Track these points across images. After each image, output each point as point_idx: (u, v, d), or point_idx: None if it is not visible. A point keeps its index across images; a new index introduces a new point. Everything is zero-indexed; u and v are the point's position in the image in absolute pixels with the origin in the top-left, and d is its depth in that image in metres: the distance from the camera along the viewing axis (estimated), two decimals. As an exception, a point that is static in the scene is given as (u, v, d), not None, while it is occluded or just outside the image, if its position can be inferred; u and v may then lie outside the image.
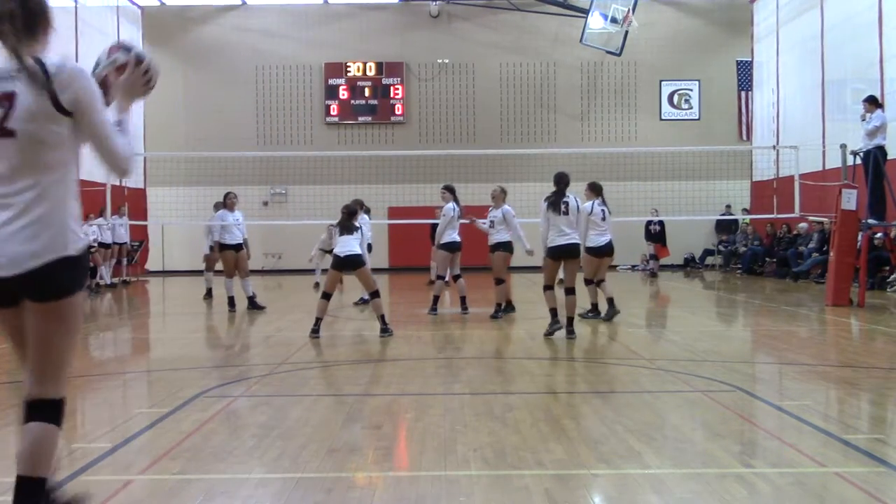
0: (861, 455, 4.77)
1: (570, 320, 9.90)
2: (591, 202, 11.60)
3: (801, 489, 4.17)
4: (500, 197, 12.29)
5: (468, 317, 12.35)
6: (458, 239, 12.64)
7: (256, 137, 25.85)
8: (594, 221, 11.49)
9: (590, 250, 11.52)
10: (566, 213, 9.95)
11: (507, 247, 12.23)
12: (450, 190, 12.74)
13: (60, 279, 3.17)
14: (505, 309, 12.25)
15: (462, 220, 12.74)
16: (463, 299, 12.79)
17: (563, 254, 9.92)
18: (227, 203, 14.08)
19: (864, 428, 5.58)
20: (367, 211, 14.84)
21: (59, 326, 3.24)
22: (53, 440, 3.28)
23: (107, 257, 19.62)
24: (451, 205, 12.58)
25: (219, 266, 14.89)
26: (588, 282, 11.87)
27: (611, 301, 11.65)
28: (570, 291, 10.03)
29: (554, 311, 9.99)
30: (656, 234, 22.99)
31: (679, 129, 25.66)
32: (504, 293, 12.30)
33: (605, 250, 11.71)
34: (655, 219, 22.59)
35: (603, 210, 11.64)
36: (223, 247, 13.95)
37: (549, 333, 9.93)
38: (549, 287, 10.11)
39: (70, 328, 3.26)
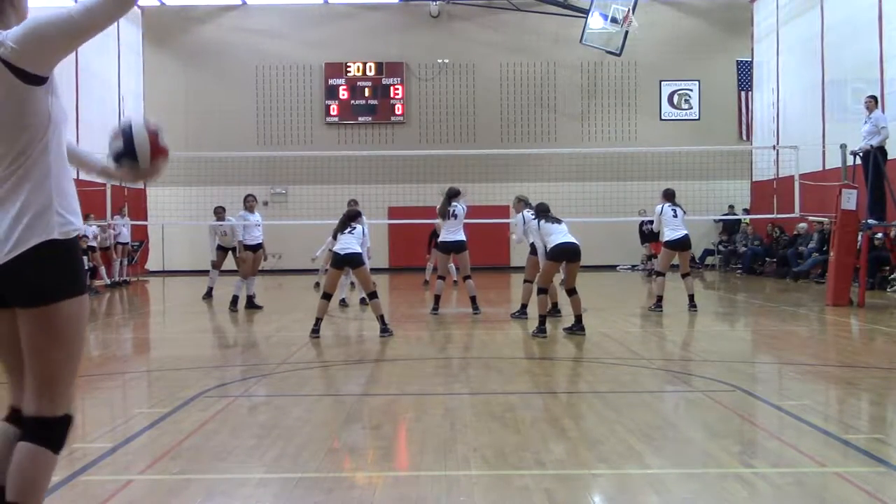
0: (861, 455, 4.77)
1: (579, 318, 10.07)
2: (661, 205, 12.97)
3: (801, 489, 4.17)
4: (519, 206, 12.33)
5: (474, 317, 12.31)
6: (451, 238, 12.58)
7: (256, 137, 25.84)
8: (665, 220, 12.83)
9: (666, 244, 12.98)
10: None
11: (532, 250, 12.01)
12: (450, 195, 12.68)
13: (44, 275, 2.83)
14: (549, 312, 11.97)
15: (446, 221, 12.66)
16: (473, 299, 12.75)
17: (565, 255, 9.97)
18: (247, 205, 14.42)
19: (864, 428, 5.58)
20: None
21: (52, 338, 2.86)
22: (42, 466, 2.88)
23: (110, 257, 19.71)
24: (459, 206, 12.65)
25: (230, 265, 14.99)
26: (659, 274, 13.11)
27: (691, 297, 12.76)
28: (573, 292, 10.11)
29: (544, 318, 10.01)
30: (650, 234, 22.96)
31: (679, 129, 25.65)
32: (528, 293, 12.05)
33: (679, 244, 12.77)
34: (646, 219, 22.55)
35: (674, 210, 12.83)
36: (244, 247, 14.25)
37: (534, 335, 9.97)
38: (544, 290, 10.12)
39: (65, 339, 2.89)
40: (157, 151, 3.14)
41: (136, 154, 3.10)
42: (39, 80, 2.81)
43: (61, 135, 2.94)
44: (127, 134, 3.12)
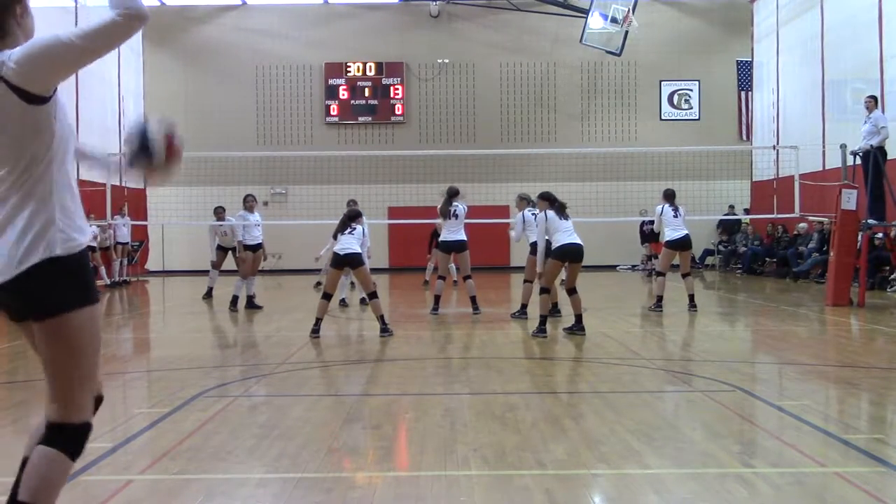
0: (861, 455, 4.77)
1: (579, 318, 10.07)
2: (661, 205, 13.05)
3: (801, 489, 4.17)
4: (521, 204, 12.38)
5: (474, 317, 12.29)
6: (452, 238, 12.59)
7: (256, 137, 25.85)
8: (666, 220, 12.91)
9: (667, 244, 13.02)
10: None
11: (532, 250, 12.04)
12: (450, 194, 12.66)
13: (49, 291, 2.87)
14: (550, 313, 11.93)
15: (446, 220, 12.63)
16: (473, 299, 12.73)
17: (569, 255, 9.97)
18: (247, 205, 14.48)
19: (864, 428, 5.58)
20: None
21: (64, 348, 2.92)
22: (57, 470, 2.95)
23: (110, 257, 19.73)
24: (461, 206, 12.61)
25: (230, 265, 14.99)
26: (659, 274, 13.14)
27: (691, 297, 12.81)
28: (573, 292, 10.11)
29: (545, 318, 10.02)
30: (650, 234, 22.97)
31: (679, 129, 25.65)
32: (528, 293, 12.05)
33: (680, 243, 12.81)
34: (647, 219, 22.56)
35: (674, 210, 12.91)
36: (244, 247, 14.29)
37: (534, 335, 9.97)
38: (546, 290, 10.12)
39: (77, 349, 2.94)
40: (172, 149, 3.18)
41: (151, 150, 3.12)
42: (42, 100, 2.84)
43: (66, 153, 2.98)
44: (142, 129, 3.15)
